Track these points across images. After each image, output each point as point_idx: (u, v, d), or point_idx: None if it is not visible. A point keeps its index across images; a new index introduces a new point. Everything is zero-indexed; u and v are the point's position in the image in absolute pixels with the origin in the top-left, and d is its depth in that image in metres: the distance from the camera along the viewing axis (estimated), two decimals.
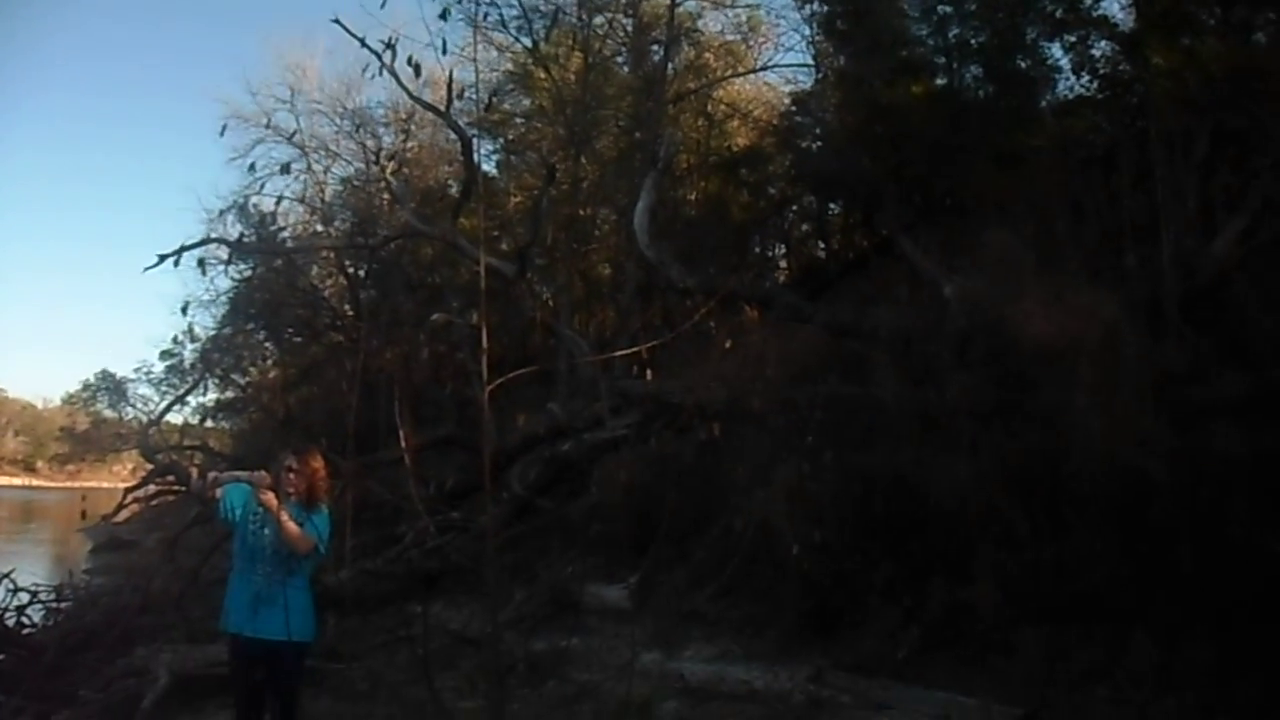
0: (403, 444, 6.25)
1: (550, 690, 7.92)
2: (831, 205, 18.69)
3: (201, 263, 15.37)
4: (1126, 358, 7.50)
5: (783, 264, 21.28)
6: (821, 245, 19.68)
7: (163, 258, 13.43)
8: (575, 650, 8.61)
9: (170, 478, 17.08)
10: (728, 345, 8.62)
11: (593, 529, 8.63)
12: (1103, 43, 12.44)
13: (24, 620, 10.55)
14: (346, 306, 24.71)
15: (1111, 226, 10.13)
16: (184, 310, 17.17)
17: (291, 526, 5.23)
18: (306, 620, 5.45)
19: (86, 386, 30.49)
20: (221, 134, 23.04)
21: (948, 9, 14.70)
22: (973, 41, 14.50)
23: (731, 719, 7.07)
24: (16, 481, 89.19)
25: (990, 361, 8.53)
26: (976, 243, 9.97)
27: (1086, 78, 12.88)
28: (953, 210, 13.79)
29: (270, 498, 5.24)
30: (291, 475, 5.42)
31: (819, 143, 16.98)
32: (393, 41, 12.51)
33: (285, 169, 23.08)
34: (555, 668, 8.14)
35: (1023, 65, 13.79)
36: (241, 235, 21.88)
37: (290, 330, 25.44)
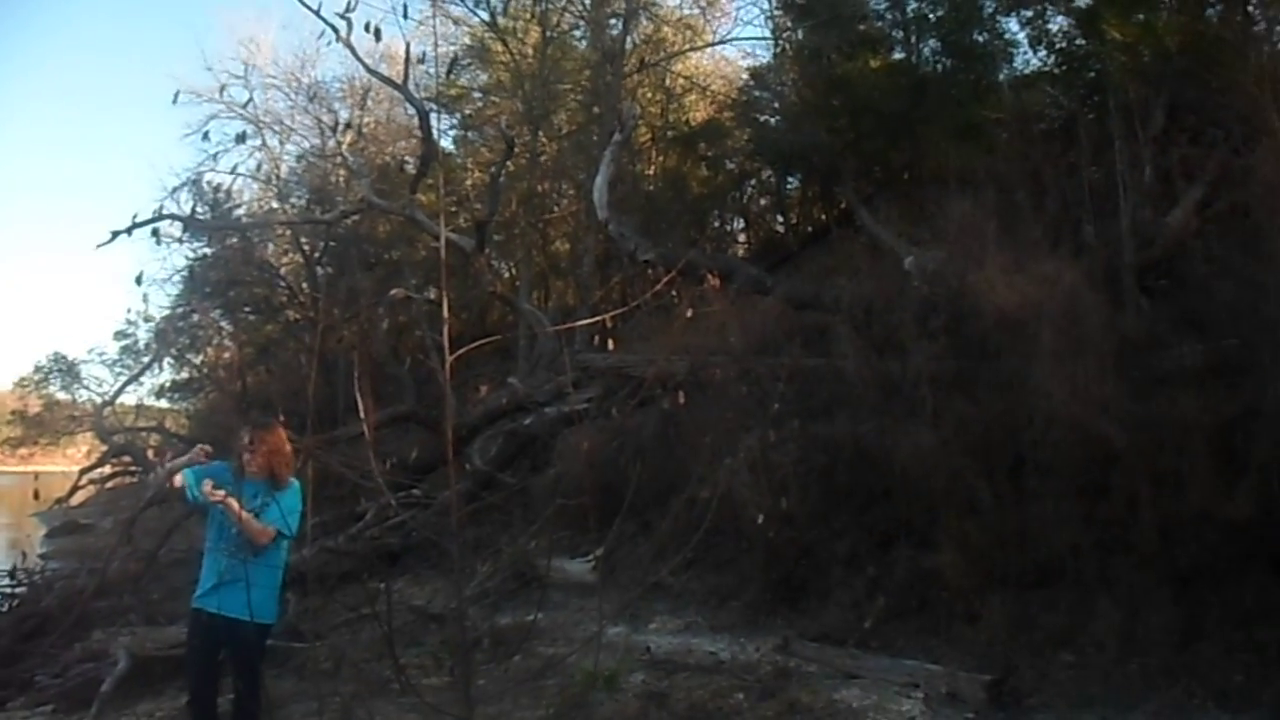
0: (362, 420, 6.15)
1: (516, 665, 7.86)
2: (790, 179, 18.76)
3: (156, 233, 15.07)
4: (1086, 327, 7.54)
5: (742, 237, 21.34)
6: (781, 218, 19.73)
7: (115, 233, 13.24)
8: (540, 624, 8.56)
9: (126, 459, 16.81)
10: (689, 317, 8.57)
11: (555, 503, 8.59)
12: (1059, 17, 12.54)
13: None
14: (303, 283, 24.47)
15: (1071, 198, 10.21)
16: (138, 281, 16.84)
17: (251, 525, 5.13)
18: (270, 599, 5.33)
19: (38, 369, 29.81)
20: (174, 102, 22.57)
21: None
22: (930, 16, 14.58)
23: (699, 690, 7.05)
24: None
25: (951, 331, 8.56)
26: (936, 214, 10.01)
27: (1044, 52, 12.98)
28: (912, 182, 13.88)
29: (222, 496, 5.10)
30: (248, 453, 5.31)
31: (777, 116, 17.02)
32: (349, 9, 12.36)
33: (240, 138, 22.72)
34: (521, 642, 8.08)
35: (980, 39, 13.87)
36: (195, 211, 21.53)
37: (247, 308, 25.15)
